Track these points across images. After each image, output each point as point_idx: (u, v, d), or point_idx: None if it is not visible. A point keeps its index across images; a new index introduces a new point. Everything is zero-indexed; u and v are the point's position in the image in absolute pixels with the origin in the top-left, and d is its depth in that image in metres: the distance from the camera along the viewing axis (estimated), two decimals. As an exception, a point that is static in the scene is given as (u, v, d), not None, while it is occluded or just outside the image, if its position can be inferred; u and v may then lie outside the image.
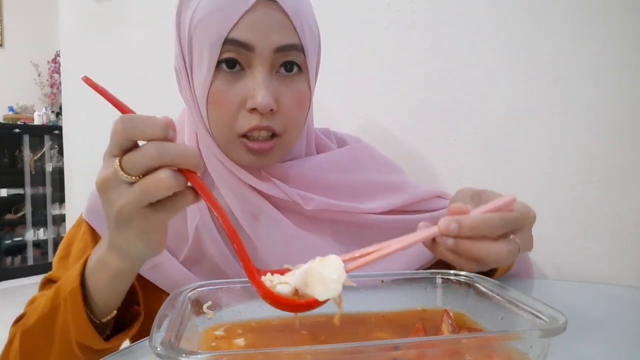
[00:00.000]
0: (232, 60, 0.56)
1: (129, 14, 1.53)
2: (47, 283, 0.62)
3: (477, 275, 0.49)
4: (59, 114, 4.13)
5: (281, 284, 0.40)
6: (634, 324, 0.54)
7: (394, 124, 0.99)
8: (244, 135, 0.58)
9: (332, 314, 0.48)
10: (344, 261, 0.41)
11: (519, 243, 0.43)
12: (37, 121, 3.95)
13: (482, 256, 0.42)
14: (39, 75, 4.17)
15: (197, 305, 0.45)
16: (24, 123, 3.89)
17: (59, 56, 3.67)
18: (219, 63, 0.56)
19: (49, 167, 4.01)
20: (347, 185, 0.67)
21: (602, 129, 0.79)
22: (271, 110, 0.56)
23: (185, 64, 0.60)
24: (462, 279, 0.50)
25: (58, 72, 3.93)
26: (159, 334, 0.35)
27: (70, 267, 0.59)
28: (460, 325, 0.44)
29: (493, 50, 0.88)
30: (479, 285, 0.48)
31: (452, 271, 0.51)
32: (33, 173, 3.93)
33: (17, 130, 3.83)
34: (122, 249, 0.46)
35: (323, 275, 0.39)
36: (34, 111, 4.01)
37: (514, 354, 0.36)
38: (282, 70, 0.58)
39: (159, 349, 0.32)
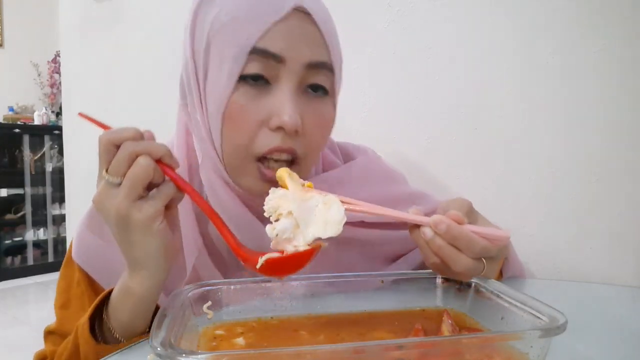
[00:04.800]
0: (257, 73, 0.51)
1: (129, 14, 1.53)
2: (50, 334, 0.61)
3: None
4: (59, 114, 4.13)
5: (284, 217, 0.41)
6: (634, 324, 0.54)
7: (393, 124, 0.99)
8: (260, 159, 0.53)
9: (332, 314, 0.48)
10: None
11: (485, 266, 0.46)
12: (37, 121, 3.94)
13: (449, 261, 0.45)
14: (39, 75, 4.16)
15: (197, 305, 0.45)
16: (24, 123, 3.89)
17: (59, 56, 3.68)
18: (242, 75, 0.51)
19: (49, 167, 4.00)
20: None
21: (602, 128, 0.79)
22: (296, 131, 0.51)
23: (198, 74, 0.54)
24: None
25: (58, 72, 3.92)
26: (159, 333, 0.35)
27: (73, 316, 0.59)
28: (460, 325, 0.44)
29: (493, 50, 0.88)
30: (479, 285, 0.48)
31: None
32: (33, 173, 3.92)
33: (17, 130, 3.82)
34: (138, 261, 0.47)
35: (326, 216, 0.42)
36: (34, 111, 4.00)
37: (514, 354, 0.36)
38: (310, 89, 0.54)
39: (159, 349, 0.32)
